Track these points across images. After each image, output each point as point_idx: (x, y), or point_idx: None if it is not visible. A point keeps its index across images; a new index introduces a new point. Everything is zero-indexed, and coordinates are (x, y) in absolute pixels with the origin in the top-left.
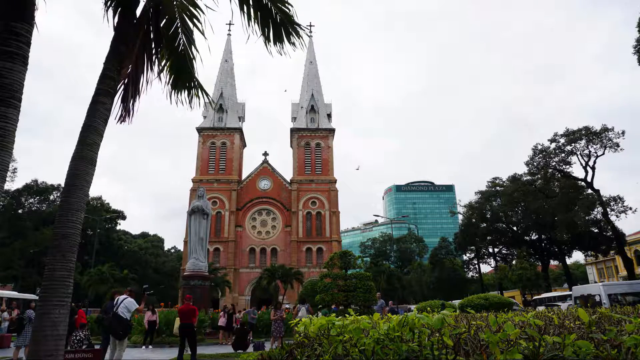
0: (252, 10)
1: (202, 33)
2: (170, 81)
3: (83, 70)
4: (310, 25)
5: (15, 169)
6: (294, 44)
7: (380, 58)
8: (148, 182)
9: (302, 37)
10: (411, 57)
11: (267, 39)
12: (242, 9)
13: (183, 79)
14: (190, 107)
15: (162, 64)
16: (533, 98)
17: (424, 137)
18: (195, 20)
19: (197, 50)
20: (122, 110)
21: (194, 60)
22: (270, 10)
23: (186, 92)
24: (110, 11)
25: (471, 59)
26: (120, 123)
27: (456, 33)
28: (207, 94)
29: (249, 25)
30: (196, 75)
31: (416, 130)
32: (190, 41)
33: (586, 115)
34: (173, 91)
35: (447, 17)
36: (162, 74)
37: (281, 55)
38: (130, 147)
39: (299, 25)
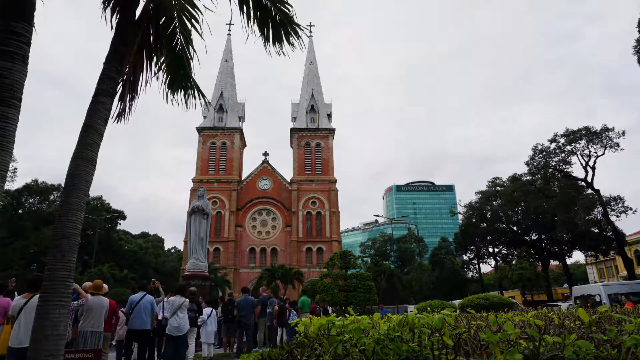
0: (251, 11)
1: (200, 34)
2: (167, 81)
3: None
4: (310, 25)
5: (15, 169)
6: (292, 44)
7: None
8: (148, 180)
9: (301, 38)
10: (409, 29)
11: (266, 39)
12: (241, 9)
13: (179, 79)
14: (187, 107)
15: (159, 63)
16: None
17: (425, 132)
18: (193, 21)
19: (194, 51)
20: (119, 109)
21: (191, 61)
22: (270, 10)
23: (182, 92)
24: (108, 11)
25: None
26: (118, 122)
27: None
28: (203, 95)
29: (248, 25)
30: (193, 75)
31: (417, 124)
32: (188, 41)
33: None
34: (169, 91)
35: None
36: (159, 73)
37: (279, 55)
38: (130, 144)
39: (298, 25)
